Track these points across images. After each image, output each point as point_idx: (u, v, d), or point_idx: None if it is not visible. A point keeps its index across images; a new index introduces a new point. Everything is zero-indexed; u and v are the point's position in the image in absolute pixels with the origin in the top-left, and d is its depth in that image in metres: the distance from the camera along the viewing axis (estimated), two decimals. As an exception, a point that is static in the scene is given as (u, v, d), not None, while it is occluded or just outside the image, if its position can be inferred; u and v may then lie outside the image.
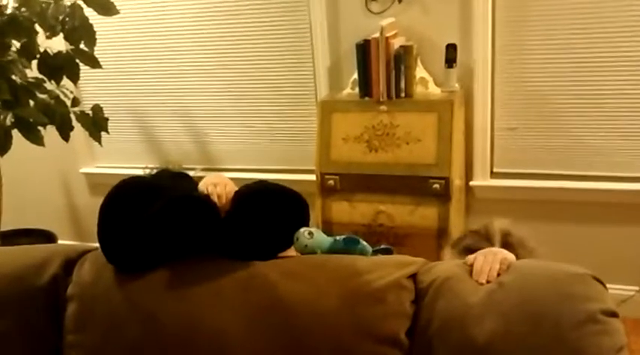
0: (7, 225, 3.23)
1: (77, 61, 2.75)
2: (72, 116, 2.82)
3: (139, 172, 3.34)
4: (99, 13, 2.70)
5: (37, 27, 2.65)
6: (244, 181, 1.62)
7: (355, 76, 2.79)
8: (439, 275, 1.39)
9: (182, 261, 1.52)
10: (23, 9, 2.61)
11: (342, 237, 1.58)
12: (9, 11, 2.62)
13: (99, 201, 1.57)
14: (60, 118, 2.77)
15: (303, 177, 3.01)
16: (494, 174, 2.95)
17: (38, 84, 2.73)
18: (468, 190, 2.96)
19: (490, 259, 1.38)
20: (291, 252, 1.57)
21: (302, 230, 1.53)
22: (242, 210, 1.52)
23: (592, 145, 2.77)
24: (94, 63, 2.76)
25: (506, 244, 1.57)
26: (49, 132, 2.76)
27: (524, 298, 1.28)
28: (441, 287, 1.36)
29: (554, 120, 2.79)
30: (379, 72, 2.65)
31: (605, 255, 2.81)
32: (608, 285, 1.33)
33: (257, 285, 1.43)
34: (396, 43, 2.67)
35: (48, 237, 3.65)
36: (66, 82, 2.80)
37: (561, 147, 2.81)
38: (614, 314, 1.25)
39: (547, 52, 2.70)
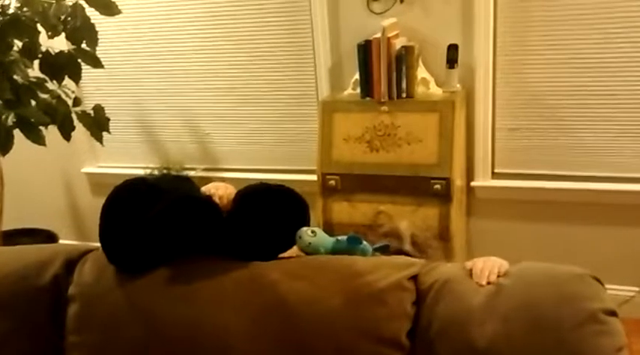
0: (9, 225, 3.23)
1: (79, 60, 2.75)
2: (73, 116, 2.82)
3: (141, 172, 3.35)
4: (101, 13, 2.70)
5: (39, 27, 2.64)
6: (245, 181, 1.62)
7: (356, 76, 2.79)
8: (440, 277, 1.40)
9: (184, 261, 1.53)
10: (25, 9, 2.61)
11: (345, 237, 1.59)
12: (11, 11, 2.62)
13: (101, 200, 1.57)
14: (62, 118, 2.77)
15: (304, 177, 3.01)
16: (495, 175, 2.95)
17: (40, 84, 2.73)
18: (469, 190, 2.96)
19: (489, 264, 1.40)
20: (293, 252, 1.58)
21: (304, 229, 1.54)
22: (243, 210, 1.53)
23: (593, 146, 2.77)
24: (95, 63, 2.76)
25: (415, 244, 1.69)
26: (51, 132, 2.76)
27: (525, 299, 1.28)
28: (442, 289, 1.37)
29: (555, 121, 2.79)
30: (380, 72, 2.65)
31: (605, 256, 2.81)
32: (608, 286, 1.33)
33: (259, 286, 1.44)
34: (398, 43, 2.67)
35: (49, 236, 3.65)
36: (68, 81, 2.80)
37: (562, 148, 2.81)
38: (613, 314, 1.25)
39: (548, 52, 2.70)
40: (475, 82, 2.79)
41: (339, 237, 1.59)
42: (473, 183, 2.93)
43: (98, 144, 2.97)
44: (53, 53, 2.72)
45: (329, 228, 2.74)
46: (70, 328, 1.57)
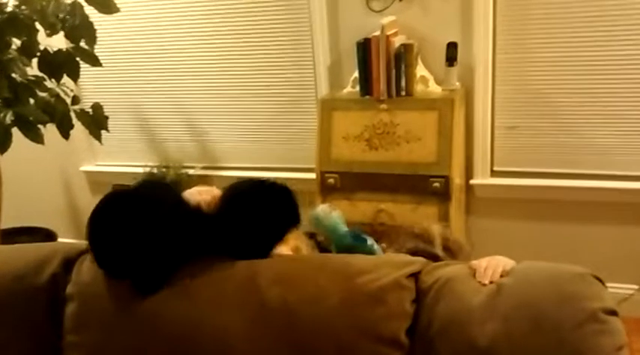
0: (8, 223, 3.23)
1: (77, 59, 2.74)
2: (72, 114, 2.82)
3: (139, 170, 3.35)
4: (99, 11, 2.70)
5: (38, 25, 2.64)
6: (244, 180, 1.62)
7: (356, 74, 2.79)
8: (442, 276, 1.40)
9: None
10: (23, 7, 2.60)
11: (350, 232, 1.60)
12: (9, 9, 2.61)
13: (99, 199, 1.56)
14: (60, 116, 2.76)
15: (303, 176, 3.01)
16: (494, 173, 2.95)
17: (38, 82, 2.73)
18: (469, 189, 2.95)
19: (494, 263, 1.40)
20: (292, 249, 1.58)
21: (322, 206, 1.55)
22: (230, 207, 1.52)
23: (593, 144, 2.76)
24: (94, 61, 2.76)
25: (446, 248, 1.66)
26: (50, 131, 2.76)
27: (525, 298, 1.28)
28: (442, 288, 1.37)
29: (554, 119, 2.79)
30: (380, 70, 2.64)
31: (605, 254, 2.81)
32: (608, 284, 1.33)
33: (258, 285, 1.43)
34: (397, 41, 2.66)
35: (48, 235, 3.65)
36: (66, 80, 2.79)
37: (561, 146, 2.81)
38: (614, 313, 1.25)
39: (548, 50, 2.70)
40: (474, 80, 2.78)
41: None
42: (472, 182, 2.93)
43: (97, 142, 2.96)
44: (52, 51, 2.72)
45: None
46: (68, 327, 1.56)
